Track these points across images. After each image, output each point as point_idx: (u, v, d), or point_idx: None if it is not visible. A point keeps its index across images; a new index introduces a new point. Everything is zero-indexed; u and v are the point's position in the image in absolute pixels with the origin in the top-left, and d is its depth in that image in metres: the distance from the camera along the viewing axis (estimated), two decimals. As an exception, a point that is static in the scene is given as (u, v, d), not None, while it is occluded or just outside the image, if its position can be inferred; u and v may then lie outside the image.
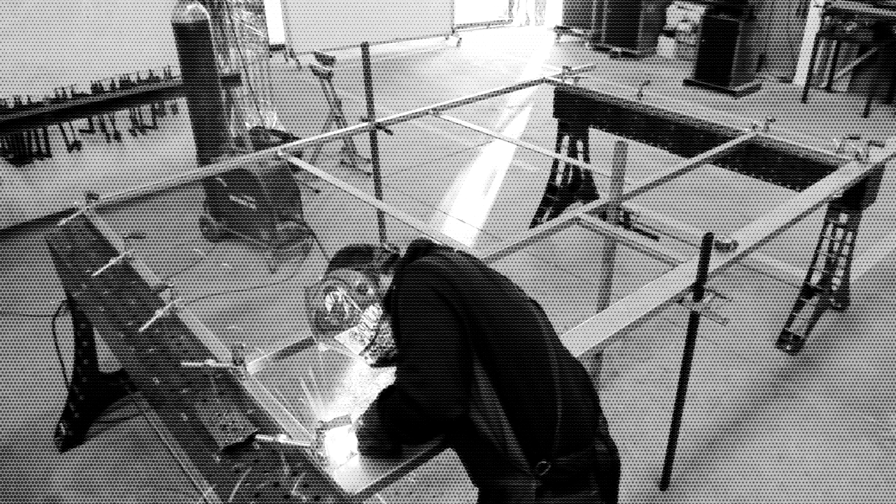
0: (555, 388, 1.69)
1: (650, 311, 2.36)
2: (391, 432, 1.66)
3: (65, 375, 3.27)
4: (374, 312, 1.79)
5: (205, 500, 2.68)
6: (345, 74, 7.18)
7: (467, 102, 4.75)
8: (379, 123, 4.28)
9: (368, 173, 5.70)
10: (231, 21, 6.34)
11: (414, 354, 1.61)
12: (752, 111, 7.62)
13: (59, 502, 3.04)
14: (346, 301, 1.78)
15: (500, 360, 1.65)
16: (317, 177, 4.02)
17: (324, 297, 1.80)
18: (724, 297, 2.44)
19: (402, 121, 4.41)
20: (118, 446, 3.32)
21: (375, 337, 1.80)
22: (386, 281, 1.83)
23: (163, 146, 5.89)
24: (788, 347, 3.91)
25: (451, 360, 1.59)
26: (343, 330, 1.80)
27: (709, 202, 5.65)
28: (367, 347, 1.82)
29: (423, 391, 1.55)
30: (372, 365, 1.88)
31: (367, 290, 1.79)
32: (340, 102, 6.32)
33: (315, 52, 6.49)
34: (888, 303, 4.38)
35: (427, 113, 4.45)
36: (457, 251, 1.92)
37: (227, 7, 6.28)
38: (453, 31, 11.32)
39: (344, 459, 1.73)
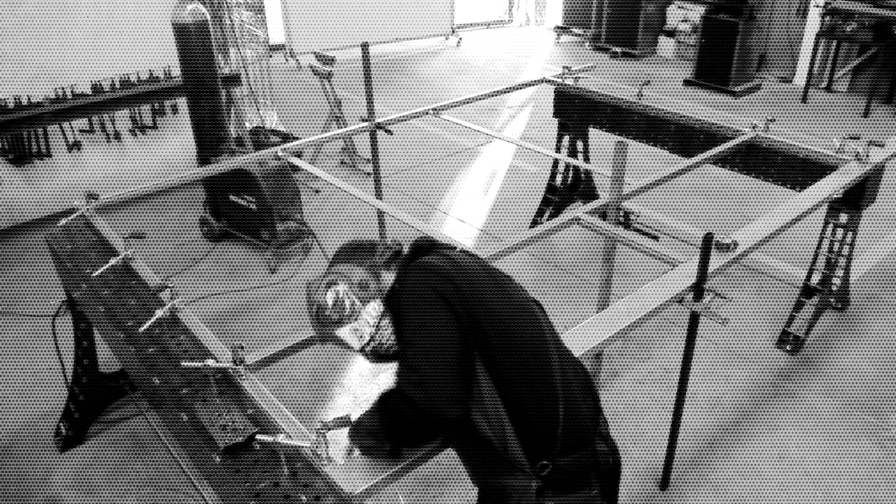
0: (556, 388, 1.69)
1: (650, 311, 2.36)
2: (390, 432, 1.65)
3: (65, 375, 3.27)
4: (374, 308, 1.78)
5: (205, 500, 2.68)
6: (345, 74, 7.18)
7: (467, 102, 4.75)
8: (379, 123, 4.28)
9: (368, 173, 5.70)
10: (231, 21, 6.35)
11: (413, 354, 1.61)
12: (752, 111, 7.62)
13: (59, 502, 3.04)
14: (348, 296, 1.77)
15: (502, 360, 1.65)
16: (317, 177, 4.02)
17: (325, 292, 1.79)
18: (724, 297, 2.44)
19: (402, 121, 4.41)
20: (118, 446, 3.32)
21: (376, 333, 1.79)
22: (388, 277, 1.82)
23: (163, 146, 5.89)
24: (788, 347, 3.91)
25: (450, 361, 1.59)
26: (344, 325, 1.79)
27: (709, 202, 5.65)
28: (367, 343, 1.81)
29: (421, 390, 1.55)
30: (372, 361, 1.88)
31: (368, 286, 1.78)
32: (340, 102, 6.32)
33: (315, 52, 6.50)
34: (888, 303, 4.38)
35: (427, 113, 4.45)
36: (459, 250, 1.91)
37: (227, 7, 6.29)
38: (453, 31, 11.32)
39: (344, 459, 1.73)
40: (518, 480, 1.65)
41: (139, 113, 5.68)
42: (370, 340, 1.80)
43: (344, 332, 1.79)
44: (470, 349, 1.63)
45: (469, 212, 5.64)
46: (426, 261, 1.76)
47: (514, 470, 1.65)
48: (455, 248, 1.92)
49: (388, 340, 1.81)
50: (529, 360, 1.69)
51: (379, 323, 1.78)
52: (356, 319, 1.78)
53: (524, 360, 1.68)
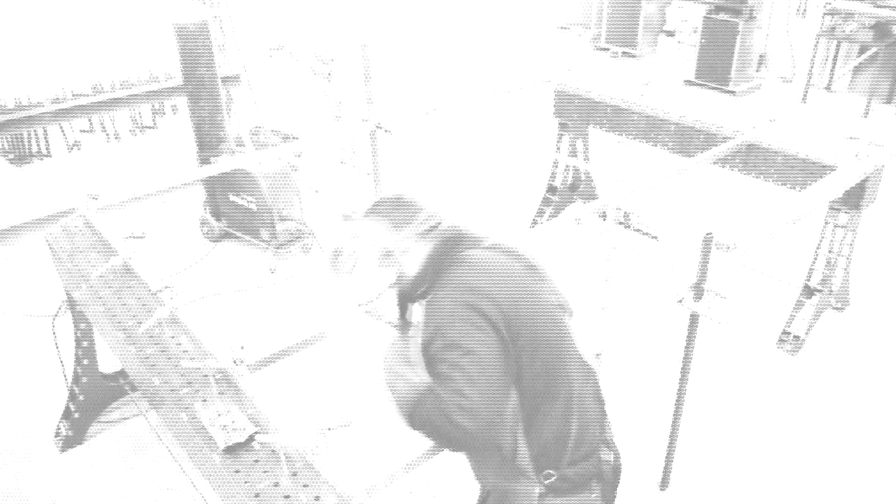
0: (572, 404, 1.68)
1: (650, 312, 2.36)
2: (437, 440, 1.61)
3: (65, 375, 3.27)
4: (385, 275, 1.75)
5: (205, 500, 2.68)
6: (345, 74, 7.17)
7: (467, 102, 4.75)
8: (379, 123, 4.28)
9: (368, 173, 5.70)
10: (231, 21, 6.34)
11: (461, 378, 1.51)
12: (752, 111, 7.61)
13: (59, 502, 3.04)
14: (365, 254, 1.75)
15: (528, 377, 1.61)
16: (317, 177, 4.02)
17: (348, 238, 1.78)
18: (725, 297, 2.44)
19: (402, 121, 4.41)
20: (118, 446, 3.32)
21: (375, 298, 1.79)
22: (418, 250, 1.72)
23: (163, 146, 5.89)
24: (788, 347, 3.91)
25: (500, 388, 1.54)
26: (350, 277, 1.78)
27: (709, 202, 5.65)
28: (362, 301, 1.81)
29: (473, 418, 1.48)
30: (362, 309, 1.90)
31: (391, 255, 1.73)
32: (340, 102, 6.31)
33: (315, 53, 6.49)
34: (888, 303, 4.37)
35: (427, 113, 4.45)
36: (490, 244, 1.75)
37: (228, 7, 6.28)
38: (453, 31, 11.32)
39: (344, 459, 1.73)
40: (522, 485, 1.66)
41: (139, 113, 5.68)
42: (368, 302, 1.81)
43: (347, 283, 1.79)
44: (512, 371, 1.58)
45: (468, 212, 5.63)
46: (465, 279, 1.63)
47: (519, 476, 1.66)
48: (484, 240, 1.76)
49: (384, 309, 1.81)
50: (551, 376, 1.65)
51: (382, 291, 1.78)
52: (364, 278, 1.77)
53: (547, 377, 1.64)
